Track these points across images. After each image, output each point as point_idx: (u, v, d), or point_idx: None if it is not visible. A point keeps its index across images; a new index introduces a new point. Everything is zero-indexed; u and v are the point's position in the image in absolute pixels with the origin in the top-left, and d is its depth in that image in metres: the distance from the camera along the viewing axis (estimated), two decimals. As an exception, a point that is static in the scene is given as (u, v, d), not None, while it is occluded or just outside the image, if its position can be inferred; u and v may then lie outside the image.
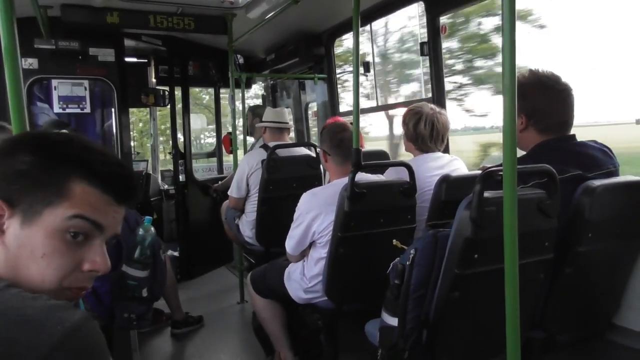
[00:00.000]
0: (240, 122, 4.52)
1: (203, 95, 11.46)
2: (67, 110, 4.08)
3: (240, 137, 4.36)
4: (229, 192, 3.73)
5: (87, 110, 4.17)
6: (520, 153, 1.91)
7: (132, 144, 4.69)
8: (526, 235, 1.37)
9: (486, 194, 1.44)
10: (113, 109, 4.30)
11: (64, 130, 2.68)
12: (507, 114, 1.21)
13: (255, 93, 7.51)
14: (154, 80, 5.08)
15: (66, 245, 0.81)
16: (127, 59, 4.55)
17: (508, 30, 1.20)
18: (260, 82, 5.91)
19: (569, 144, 1.87)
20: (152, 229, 2.63)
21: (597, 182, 1.70)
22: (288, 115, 3.98)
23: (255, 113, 4.57)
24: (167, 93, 4.93)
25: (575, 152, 1.83)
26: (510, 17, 1.19)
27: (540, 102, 1.85)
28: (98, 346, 0.71)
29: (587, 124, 3.09)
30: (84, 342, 0.69)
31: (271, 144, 3.54)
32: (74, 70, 4.07)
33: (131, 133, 4.67)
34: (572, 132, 1.91)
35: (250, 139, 4.83)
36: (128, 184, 0.89)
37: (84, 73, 4.11)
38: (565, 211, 1.64)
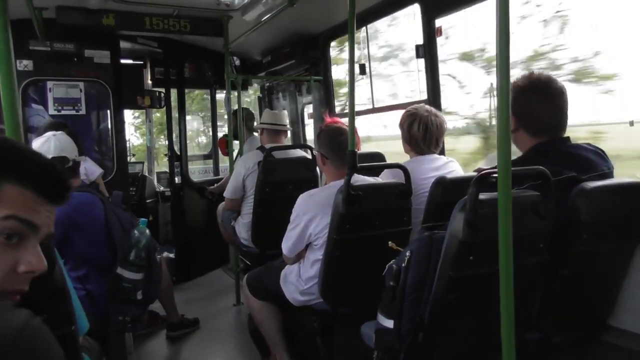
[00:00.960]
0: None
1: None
2: (63, 112, 4.07)
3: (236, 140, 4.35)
4: (224, 194, 3.72)
5: (83, 112, 4.16)
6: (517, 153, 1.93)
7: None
8: (521, 237, 1.37)
9: (481, 196, 1.44)
10: (108, 111, 4.30)
11: (60, 132, 2.67)
12: (501, 116, 1.22)
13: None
14: (149, 82, 5.08)
15: (0, 247, 0.81)
16: (123, 61, 4.55)
17: (502, 33, 1.20)
18: (256, 84, 5.90)
19: (563, 146, 1.88)
20: (147, 230, 2.63)
21: (592, 184, 1.70)
22: (286, 118, 3.98)
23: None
24: (163, 95, 4.93)
25: (570, 154, 1.84)
26: (504, 20, 1.20)
27: (530, 104, 1.87)
28: (48, 345, 0.71)
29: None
30: (33, 341, 0.68)
31: (268, 146, 3.54)
32: (69, 72, 4.07)
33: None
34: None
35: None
36: (60, 184, 0.89)
37: (80, 75, 4.11)
38: (560, 213, 1.65)
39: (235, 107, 4.30)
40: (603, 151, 1.91)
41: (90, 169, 3.52)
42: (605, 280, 1.91)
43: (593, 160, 1.84)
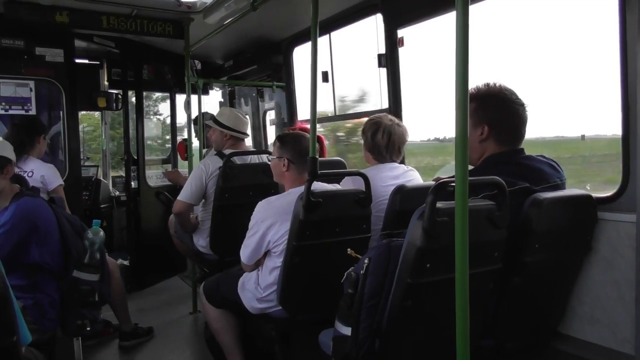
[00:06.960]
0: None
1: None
2: (10, 112, 3.89)
3: (196, 144, 4.27)
4: (179, 197, 3.47)
5: (33, 112, 3.99)
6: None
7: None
8: (476, 245, 1.39)
9: (438, 205, 1.46)
10: (61, 112, 4.14)
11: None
12: (459, 127, 1.23)
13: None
14: (106, 83, 4.93)
15: None
16: (78, 60, 4.40)
17: (461, 44, 1.22)
18: (217, 89, 5.83)
19: (517, 157, 1.93)
20: (102, 232, 2.58)
21: (544, 195, 1.76)
22: (248, 124, 3.92)
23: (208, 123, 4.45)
24: (120, 97, 4.80)
25: (523, 166, 1.90)
26: (463, 31, 1.22)
27: (502, 113, 1.91)
28: None
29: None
30: None
31: (227, 151, 3.45)
32: (19, 70, 3.89)
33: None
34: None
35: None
36: None
37: (30, 73, 3.94)
38: (513, 222, 1.69)
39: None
40: (557, 163, 1.98)
41: (48, 178, 3.36)
42: (555, 289, 1.98)
43: (546, 172, 1.91)
